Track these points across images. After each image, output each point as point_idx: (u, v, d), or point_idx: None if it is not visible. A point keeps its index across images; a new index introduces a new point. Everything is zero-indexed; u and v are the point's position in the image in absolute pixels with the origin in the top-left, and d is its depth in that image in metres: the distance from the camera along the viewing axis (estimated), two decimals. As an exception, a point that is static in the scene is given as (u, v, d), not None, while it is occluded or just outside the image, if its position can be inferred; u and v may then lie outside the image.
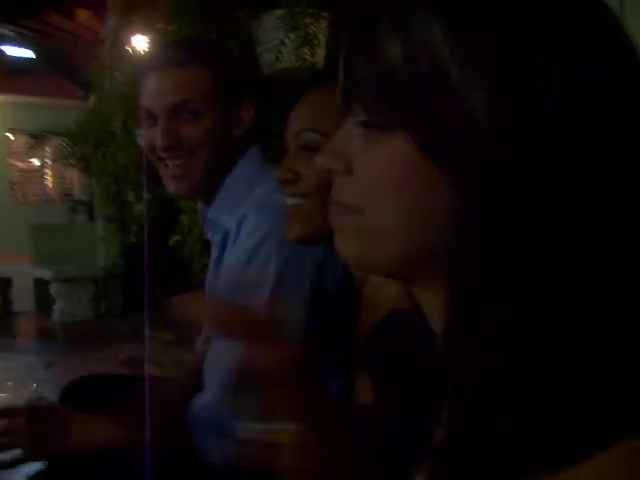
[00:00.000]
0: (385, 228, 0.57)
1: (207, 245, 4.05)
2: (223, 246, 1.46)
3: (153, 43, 5.46)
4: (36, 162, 13.02)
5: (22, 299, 7.01)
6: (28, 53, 10.46)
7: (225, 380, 1.28)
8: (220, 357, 1.30)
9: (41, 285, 6.71)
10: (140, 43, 6.54)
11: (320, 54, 2.43)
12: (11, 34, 10.03)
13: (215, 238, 1.51)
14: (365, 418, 0.94)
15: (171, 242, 4.01)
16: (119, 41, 6.65)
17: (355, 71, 0.57)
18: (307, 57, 2.29)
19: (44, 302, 6.62)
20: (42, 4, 9.07)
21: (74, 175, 12.19)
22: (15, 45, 10.42)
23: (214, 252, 1.52)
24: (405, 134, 0.54)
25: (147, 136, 1.46)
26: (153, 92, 1.44)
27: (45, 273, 6.46)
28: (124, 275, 6.19)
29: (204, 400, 1.32)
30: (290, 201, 1.13)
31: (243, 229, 1.35)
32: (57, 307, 6.41)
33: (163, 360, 4.80)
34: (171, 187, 1.49)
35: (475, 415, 0.49)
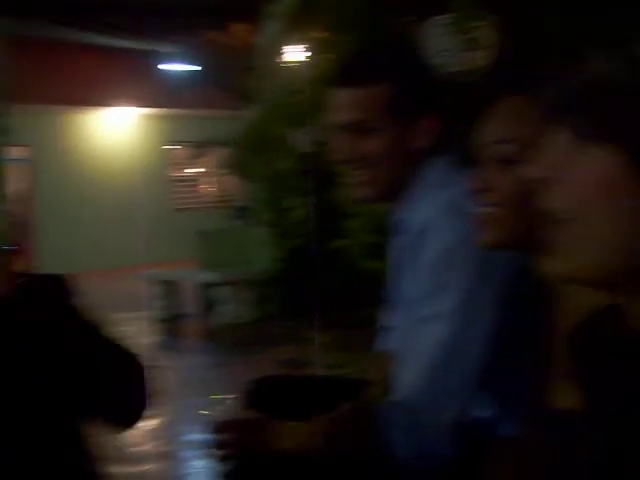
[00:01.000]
0: (596, 236, 0.58)
1: (373, 249, 4.12)
2: (407, 247, 1.48)
3: (309, 53, 5.61)
4: (196, 171, 13.59)
5: (188, 302, 7.32)
6: (188, 68, 10.95)
7: (427, 368, 1.31)
8: (422, 342, 1.33)
9: (206, 288, 6.98)
10: (295, 53, 6.73)
11: (487, 58, 2.42)
12: (172, 51, 10.55)
13: (400, 240, 1.53)
14: (569, 423, 0.93)
15: (337, 246, 4.09)
16: (275, 52, 6.87)
17: (566, 87, 0.58)
18: (475, 61, 2.29)
19: (209, 305, 6.89)
20: (201, 22, 9.45)
21: (231, 182, 12.64)
22: (176, 62, 10.93)
23: (397, 254, 1.54)
24: (616, 146, 0.56)
25: (335, 144, 1.52)
26: (334, 107, 1.50)
27: (210, 277, 6.71)
28: (284, 278, 6.34)
29: (402, 394, 1.34)
30: (484, 210, 1.15)
31: (433, 232, 1.37)
32: (221, 309, 6.65)
33: (323, 362, 4.91)
34: (356, 193, 1.54)
35: None
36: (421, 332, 1.34)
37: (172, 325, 6.96)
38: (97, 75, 11.46)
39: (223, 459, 1.45)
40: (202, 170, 13.51)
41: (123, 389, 1.25)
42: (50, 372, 1.17)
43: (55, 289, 1.24)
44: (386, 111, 1.44)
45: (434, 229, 1.36)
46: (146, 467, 3.30)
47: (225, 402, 1.52)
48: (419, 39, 2.51)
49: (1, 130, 5.24)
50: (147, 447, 3.57)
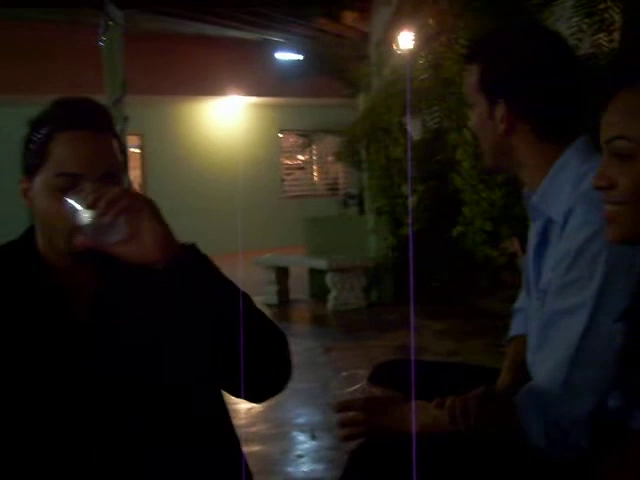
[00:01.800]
0: None
1: (489, 236, 4.10)
2: (544, 234, 1.48)
3: (421, 40, 5.58)
4: (305, 158, 13.76)
5: (298, 287, 7.45)
6: (298, 57, 11.07)
7: (566, 358, 1.31)
8: (561, 332, 1.34)
9: (316, 275, 7.08)
10: (407, 40, 6.70)
11: (613, 41, 2.37)
12: (282, 40, 10.68)
13: (537, 224, 1.53)
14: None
15: (454, 233, 4.09)
16: (386, 40, 6.87)
17: None
18: (604, 43, 2.25)
19: (319, 291, 6.99)
20: (311, 11, 9.52)
21: (339, 170, 12.74)
22: (286, 50, 11.06)
23: (534, 238, 1.54)
24: None
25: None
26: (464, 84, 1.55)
27: (320, 263, 6.79)
28: (395, 266, 6.35)
29: (539, 383, 1.35)
30: (607, 207, 1.14)
31: (571, 222, 1.36)
32: (331, 295, 6.73)
33: (436, 349, 4.91)
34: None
35: None
36: (561, 322, 1.34)
37: (282, 310, 7.10)
38: (208, 65, 11.74)
39: (349, 438, 1.48)
40: (314, 158, 13.67)
41: (267, 357, 1.26)
42: (203, 340, 1.21)
43: (198, 257, 1.25)
44: (478, 88, 1.49)
45: (575, 219, 1.36)
46: (254, 449, 3.35)
47: (351, 379, 1.51)
48: (547, 22, 2.47)
49: (122, 119, 5.48)
50: (255, 429, 3.63)
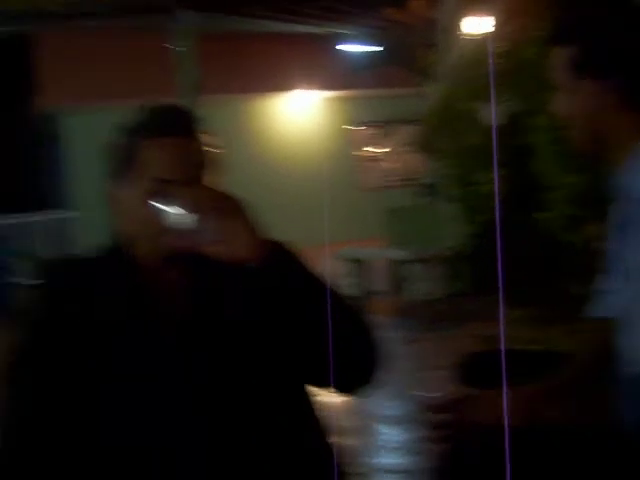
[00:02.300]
0: None
1: (573, 221, 4.02)
2: (628, 213, 1.44)
3: (493, 24, 5.50)
4: (379, 150, 13.71)
5: (377, 279, 7.45)
6: (368, 49, 11.05)
7: None
8: None
9: (396, 266, 7.07)
10: (476, 25, 6.61)
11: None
12: (351, 32, 10.68)
13: (621, 204, 1.49)
14: None
15: (538, 218, 4.02)
16: (456, 25, 6.78)
17: None
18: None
19: (399, 282, 6.98)
20: (380, 1, 9.49)
21: (416, 159, 12.65)
22: (356, 43, 11.06)
23: (617, 218, 1.51)
24: None
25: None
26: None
27: (400, 254, 6.79)
28: (474, 254, 6.28)
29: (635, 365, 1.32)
30: None
31: None
32: (411, 286, 6.72)
33: (517, 338, 4.85)
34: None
35: None
36: None
37: (363, 302, 7.12)
38: (278, 61, 11.81)
39: (442, 440, 1.47)
40: (387, 149, 13.61)
41: (356, 349, 1.27)
42: (292, 335, 1.23)
43: (287, 254, 1.28)
44: (571, 70, 1.46)
45: None
46: (341, 441, 3.37)
47: (435, 378, 1.51)
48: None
49: (198, 119, 5.56)
50: (342, 422, 3.66)
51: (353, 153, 13.36)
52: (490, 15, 5.55)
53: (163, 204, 1.19)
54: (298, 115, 12.75)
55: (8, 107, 14.26)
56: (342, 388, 1.31)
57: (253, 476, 1.27)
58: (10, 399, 1.28)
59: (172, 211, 1.17)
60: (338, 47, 11.17)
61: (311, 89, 12.38)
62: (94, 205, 11.61)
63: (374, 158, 13.76)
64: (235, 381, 1.28)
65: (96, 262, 1.37)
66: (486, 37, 5.28)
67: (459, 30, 6.59)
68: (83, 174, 11.48)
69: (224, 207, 1.17)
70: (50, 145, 13.29)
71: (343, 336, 1.18)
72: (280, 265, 1.20)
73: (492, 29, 5.16)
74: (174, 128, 1.29)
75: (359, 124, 13.22)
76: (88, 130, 11.41)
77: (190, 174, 1.27)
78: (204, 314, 1.30)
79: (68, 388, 1.25)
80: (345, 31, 10.66)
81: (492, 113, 4.35)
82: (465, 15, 6.70)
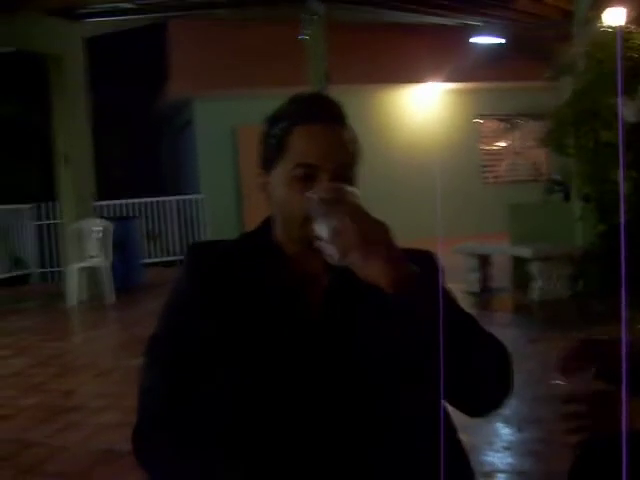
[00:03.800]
0: None
1: None
2: None
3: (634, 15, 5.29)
4: (506, 144, 13.46)
5: (500, 276, 7.33)
6: (498, 41, 10.85)
7: None
8: None
9: (519, 263, 6.92)
10: (615, 17, 6.36)
11: None
12: (481, 24, 10.51)
13: None
14: None
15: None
16: (594, 18, 6.55)
17: None
18: None
19: (522, 279, 6.83)
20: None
21: (541, 155, 12.34)
22: (485, 35, 10.88)
23: None
24: None
25: None
26: None
27: (524, 251, 6.64)
28: (603, 255, 6.08)
29: None
30: None
31: None
32: (535, 285, 6.56)
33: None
34: None
35: None
36: None
37: (484, 299, 7.02)
38: (405, 53, 11.78)
39: (576, 431, 1.46)
40: (515, 143, 13.35)
41: (488, 376, 1.25)
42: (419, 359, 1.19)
43: (428, 266, 1.26)
44: None
45: None
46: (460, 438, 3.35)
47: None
48: None
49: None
50: (461, 419, 3.63)
51: (478, 146, 13.17)
52: (629, 6, 5.33)
53: (311, 194, 1.21)
54: (425, 107, 12.68)
55: (145, 93, 14.92)
56: (471, 412, 1.31)
57: None
58: (149, 369, 1.33)
59: (320, 223, 1.17)
60: (469, 39, 11.02)
61: (438, 81, 12.28)
62: (221, 188, 12.00)
63: (500, 152, 13.52)
64: (364, 386, 1.28)
65: (241, 245, 1.41)
66: (623, 29, 5.08)
67: (596, 22, 6.37)
68: (212, 158, 11.87)
69: (360, 236, 1.15)
70: (182, 130, 13.80)
71: (475, 363, 1.19)
72: (416, 296, 1.16)
73: (633, 20, 4.96)
74: (320, 115, 1.32)
75: (485, 117, 13.02)
76: (218, 116, 11.78)
77: (336, 161, 1.29)
78: (341, 312, 1.31)
79: (206, 365, 1.29)
80: (476, 23, 10.51)
81: (619, 109, 4.18)
82: (604, 6, 6.47)
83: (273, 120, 1.35)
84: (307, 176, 1.28)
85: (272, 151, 1.33)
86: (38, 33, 8.52)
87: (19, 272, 10.56)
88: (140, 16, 9.66)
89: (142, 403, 1.31)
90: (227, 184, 11.62)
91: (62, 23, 8.71)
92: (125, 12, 9.08)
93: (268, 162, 1.34)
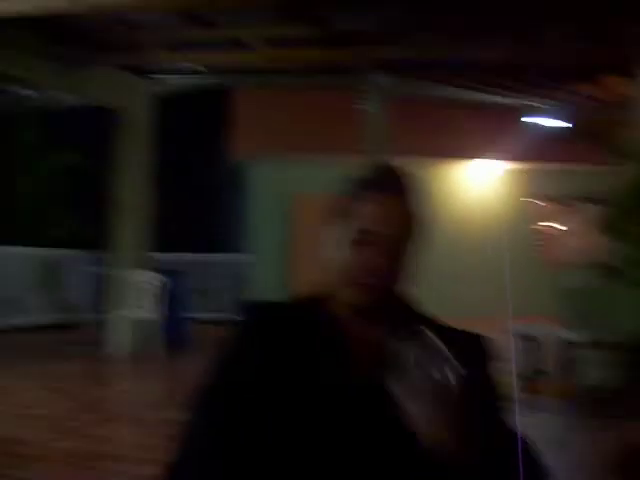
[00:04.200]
0: None
1: None
2: None
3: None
4: (561, 226, 13.32)
5: (547, 359, 7.18)
6: (556, 122, 10.88)
7: None
8: None
9: (569, 347, 6.79)
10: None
11: None
12: (539, 105, 10.58)
13: None
14: None
15: None
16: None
17: None
18: None
19: (571, 365, 6.69)
20: (570, 76, 9.37)
21: (598, 239, 12.16)
22: (543, 116, 10.94)
23: None
24: None
25: None
26: None
27: (574, 336, 6.53)
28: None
29: None
30: None
31: None
32: (584, 371, 6.42)
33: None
34: None
35: None
36: None
37: (531, 381, 6.88)
38: (465, 129, 11.85)
39: None
40: (570, 226, 13.21)
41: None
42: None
43: (477, 350, 1.30)
44: None
45: None
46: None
47: None
48: None
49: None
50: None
51: (534, 227, 13.07)
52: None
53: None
54: (479, 183, 12.69)
55: (208, 153, 15.27)
56: None
57: None
58: (192, 423, 1.35)
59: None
60: (526, 119, 11.08)
61: (494, 159, 12.31)
62: (269, 250, 12.03)
63: (555, 234, 13.37)
64: (411, 460, 1.27)
65: (295, 307, 1.44)
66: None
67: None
68: (262, 220, 12.01)
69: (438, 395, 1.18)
70: (235, 192, 14.02)
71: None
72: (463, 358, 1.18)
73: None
74: (388, 186, 1.37)
75: (542, 198, 12.95)
76: (275, 181, 11.96)
77: (392, 231, 1.33)
78: (389, 379, 1.30)
79: (251, 424, 1.30)
80: (534, 104, 10.57)
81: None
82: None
83: (346, 184, 1.42)
84: (365, 240, 1.32)
85: (337, 213, 1.39)
86: (108, 87, 8.82)
87: (70, 317, 10.71)
88: (206, 77, 9.94)
89: (185, 444, 1.34)
90: (277, 248, 11.72)
91: (132, 79, 9.02)
92: (194, 74, 9.37)
93: (332, 222, 1.40)
